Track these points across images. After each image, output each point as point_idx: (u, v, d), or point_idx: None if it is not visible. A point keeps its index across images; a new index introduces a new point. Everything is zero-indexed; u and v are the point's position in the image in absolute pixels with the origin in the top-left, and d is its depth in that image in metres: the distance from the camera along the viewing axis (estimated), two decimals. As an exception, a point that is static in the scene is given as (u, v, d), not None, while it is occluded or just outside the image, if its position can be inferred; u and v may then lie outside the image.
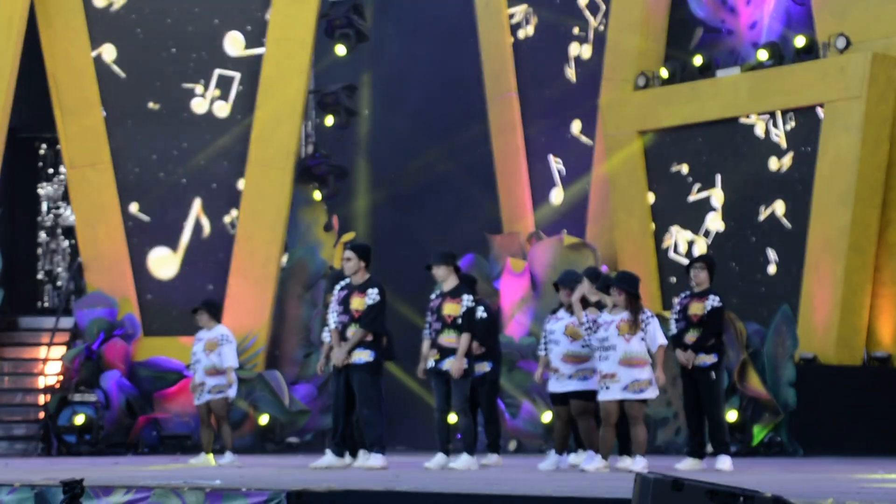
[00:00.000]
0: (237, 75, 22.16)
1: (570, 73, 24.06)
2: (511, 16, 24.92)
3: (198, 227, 22.10)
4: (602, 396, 12.62)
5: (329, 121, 23.38)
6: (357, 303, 13.19)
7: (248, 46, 22.21)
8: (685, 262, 19.37)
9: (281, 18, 22.05)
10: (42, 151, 23.56)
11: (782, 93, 20.52)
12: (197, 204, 22.11)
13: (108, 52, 22.07)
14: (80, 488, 8.89)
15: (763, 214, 20.82)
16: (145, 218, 21.93)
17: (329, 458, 13.57)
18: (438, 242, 21.38)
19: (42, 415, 20.89)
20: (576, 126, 23.98)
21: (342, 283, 13.56)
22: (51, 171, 23.54)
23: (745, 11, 22.12)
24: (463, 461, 13.25)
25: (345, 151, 25.10)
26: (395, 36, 26.53)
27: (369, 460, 13.22)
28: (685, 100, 21.57)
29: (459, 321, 13.28)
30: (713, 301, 13.50)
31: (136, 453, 20.74)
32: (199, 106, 22.19)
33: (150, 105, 22.09)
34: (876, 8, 20.40)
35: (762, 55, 20.91)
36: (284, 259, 22.51)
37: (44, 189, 23.53)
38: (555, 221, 24.10)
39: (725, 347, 13.97)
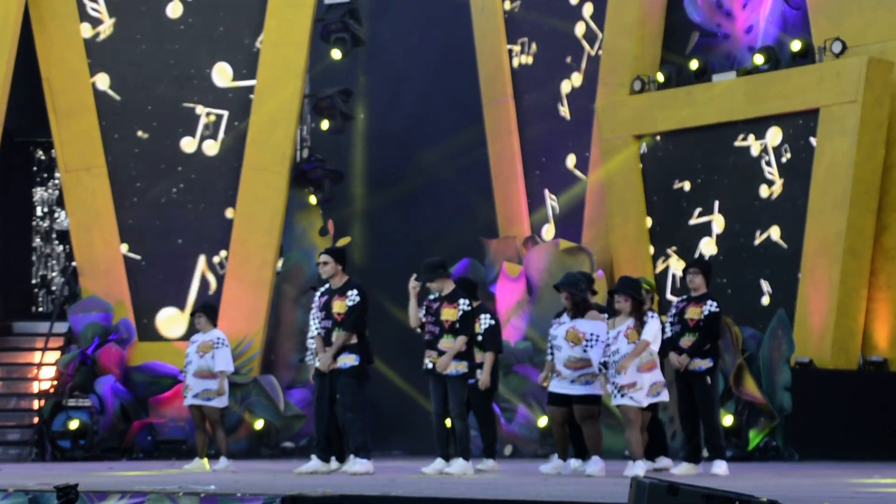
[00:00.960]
0: (225, 113, 22.11)
1: (564, 110, 24.10)
2: (509, 50, 24.95)
3: (204, 283, 22.05)
4: (624, 402, 12.50)
5: (325, 125, 23.36)
6: (338, 306, 13.16)
7: (236, 78, 22.14)
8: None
9: (276, 22, 22.03)
10: (37, 156, 23.53)
11: (778, 97, 20.52)
12: (202, 261, 22.05)
13: (102, 80, 22.03)
14: (74, 493, 8.87)
15: (758, 239, 20.79)
16: (136, 257, 21.86)
17: (314, 463, 13.53)
18: (434, 247, 21.37)
19: (36, 420, 20.85)
20: (570, 160, 24.02)
21: (322, 289, 13.55)
22: (45, 175, 23.50)
23: (741, 16, 22.13)
24: (458, 466, 13.23)
25: (340, 156, 25.09)
26: (390, 40, 26.53)
27: (355, 465, 13.16)
28: (681, 104, 21.57)
29: (458, 325, 13.28)
30: (711, 306, 13.48)
31: (131, 458, 20.69)
32: (188, 145, 22.15)
33: (140, 133, 22.05)
34: (872, 12, 20.41)
35: (758, 59, 20.92)
36: (280, 263, 22.49)
37: (38, 193, 23.50)
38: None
39: (721, 352, 13.96)
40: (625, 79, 22.56)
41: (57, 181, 23.17)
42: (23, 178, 23.45)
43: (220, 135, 22.10)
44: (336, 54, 23.17)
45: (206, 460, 15.81)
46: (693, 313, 13.50)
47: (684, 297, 13.81)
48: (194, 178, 22.09)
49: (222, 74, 22.19)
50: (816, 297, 19.91)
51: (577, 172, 23.76)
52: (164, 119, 22.09)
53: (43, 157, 23.50)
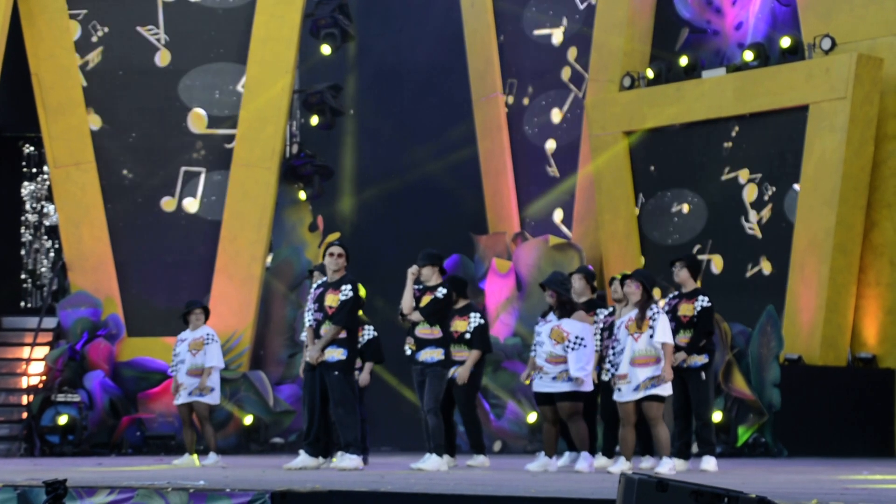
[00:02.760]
0: (203, 171, 22.08)
1: (553, 170, 24.16)
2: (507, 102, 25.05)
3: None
4: (616, 398, 12.50)
5: (314, 121, 23.34)
6: (331, 299, 13.12)
7: (210, 125, 22.10)
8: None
9: (266, 18, 22.01)
10: (26, 151, 23.50)
11: (768, 94, 20.55)
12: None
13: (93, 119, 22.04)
14: (63, 489, 8.85)
15: (749, 272, 20.82)
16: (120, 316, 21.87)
17: (303, 458, 13.50)
18: (423, 243, 21.36)
19: (25, 415, 20.82)
20: (557, 215, 24.06)
21: (319, 281, 13.54)
22: (35, 170, 23.48)
23: (730, 12, 22.16)
24: (431, 462, 13.22)
25: (330, 151, 25.09)
26: (380, 36, 26.53)
27: (343, 461, 13.13)
28: (671, 100, 21.59)
29: (426, 312, 13.36)
30: (702, 301, 13.47)
31: (120, 454, 20.68)
32: (168, 205, 22.12)
33: (125, 172, 22.01)
34: (861, 9, 20.45)
35: (748, 56, 20.94)
36: (269, 259, 22.47)
37: (27, 188, 23.47)
38: (541, 220, 24.11)
39: (716, 347, 13.94)
40: (614, 75, 22.59)
41: (46, 176, 23.14)
42: (12, 173, 23.42)
43: (199, 192, 22.10)
44: (326, 50, 23.16)
45: (195, 456, 15.78)
46: (686, 310, 13.48)
47: (675, 293, 13.79)
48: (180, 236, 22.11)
49: (197, 122, 22.14)
50: (806, 294, 19.94)
51: (563, 228, 23.82)
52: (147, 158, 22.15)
53: (32, 153, 23.47)
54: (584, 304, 13.86)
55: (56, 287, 22.49)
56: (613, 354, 12.57)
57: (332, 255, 13.26)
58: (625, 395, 12.36)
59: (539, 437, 20.80)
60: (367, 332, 14.92)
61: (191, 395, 15.70)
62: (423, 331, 13.40)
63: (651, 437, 14.14)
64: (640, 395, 12.28)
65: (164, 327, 21.54)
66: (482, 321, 14.39)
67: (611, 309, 14.36)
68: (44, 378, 20.93)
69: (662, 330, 12.30)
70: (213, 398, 15.83)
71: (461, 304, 14.59)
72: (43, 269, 23.38)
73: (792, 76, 20.38)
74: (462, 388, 14.54)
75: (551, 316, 13.23)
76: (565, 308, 13.04)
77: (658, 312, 12.38)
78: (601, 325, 14.16)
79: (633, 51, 22.71)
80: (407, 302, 13.46)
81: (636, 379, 12.27)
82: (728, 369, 19.17)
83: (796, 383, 19.31)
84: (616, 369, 12.50)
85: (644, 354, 12.28)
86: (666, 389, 12.37)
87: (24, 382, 21.21)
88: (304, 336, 14.47)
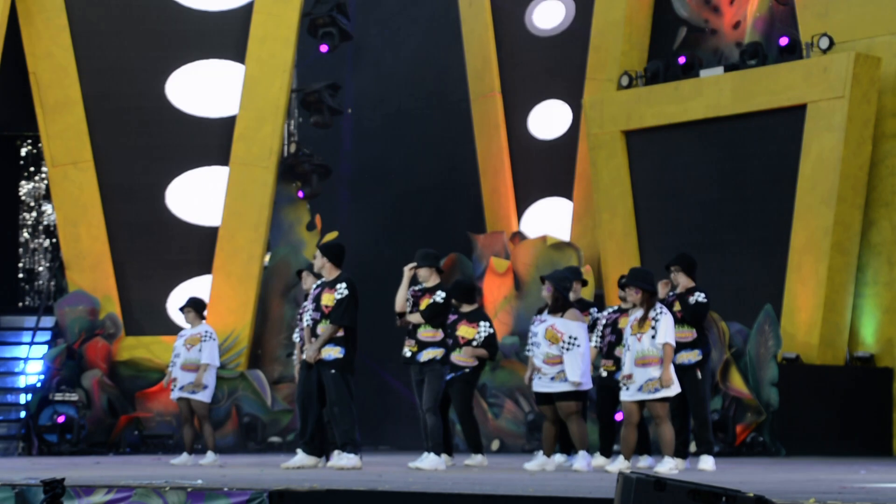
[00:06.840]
0: (201, 169, 22.03)
1: (550, 169, 24.19)
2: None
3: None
4: (622, 396, 12.52)
5: (312, 119, 23.33)
6: (327, 298, 13.16)
7: (208, 124, 22.06)
8: None
9: (264, 17, 22.01)
10: (24, 150, 23.49)
11: (766, 93, 20.55)
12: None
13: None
14: (60, 488, 8.85)
15: (748, 271, 20.82)
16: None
17: (301, 457, 13.51)
18: (421, 242, 21.37)
19: (23, 414, 20.83)
20: (555, 214, 24.08)
21: (318, 282, 13.59)
22: (32, 169, 23.47)
23: (728, 11, 22.16)
24: (429, 461, 13.23)
25: (328, 150, 25.09)
26: (378, 35, 26.52)
27: (341, 460, 13.13)
28: (669, 99, 21.57)
29: (425, 314, 13.39)
30: (698, 297, 13.49)
31: (118, 453, 20.69)
32: (166, 203, 22.07)
33: (123, 171, 22.00)
34: (859, 8, 20.46)
35: (745, 55, 20.93)
36: (267, 258, 22.47)
37: (25, 188, 23.46)
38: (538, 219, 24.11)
39: (710, 345, 13.93)
40: (612, 74, 22.58)
41: (44, 175, 23.14)
42: (10, 173, 23.43)
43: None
44: (324, 49, 23.15)
45: (192, 455, 15.81)
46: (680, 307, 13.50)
47: (672, 293, 13.78)
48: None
49: (195, 121, 22.14)
50: (803, 293, 19.95)
51: (562, 227, 23.81)
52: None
53: (30, 152, 23.47)
54: (576, 304, 13.88)
55: (54, 286, 22.48)
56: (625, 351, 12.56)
57: (314, 257, 13.49)
58: (630, 393, 12.37)
59: (537, 436, 20.80)
60: (483, 329, 14.95)
61: (182, 389, 15.76)
62: (426, 333, 13.40)
63: (648, 437, 14.20)
64: (643, 396, 12.28)
65: (162, 326, 21.57)
66: (492, 330, 14.57)
67: (613, 308, 14.40)
68: (42, 377, 20.93)
69: (665, 331, 12.29)
70: (206, 396, 15.86)
71: (468, 308, 14.61)
72: (41, 269, 23.38)
73: (790, 75, 20.37)
74: (458, 389, 14.55)
75: (546, 314, 13.23)
76: (558, 304, 13.05)
77: (662, 312, 12.36)
78: (604, 322, 14.21)
79: (631, 49, 22.71)
80: (400, 300, 13.48)
81: (639, 379, 12.28)
82: (726, 368, 19.17)
83: (794, 382, 19.31)
84: (623, 368, 12.52)
85: (647, 355, 12.27)
86: (670, 391, 12.36)
87: (22, 381, 21.21)
88: (296, 336, 14.55)
